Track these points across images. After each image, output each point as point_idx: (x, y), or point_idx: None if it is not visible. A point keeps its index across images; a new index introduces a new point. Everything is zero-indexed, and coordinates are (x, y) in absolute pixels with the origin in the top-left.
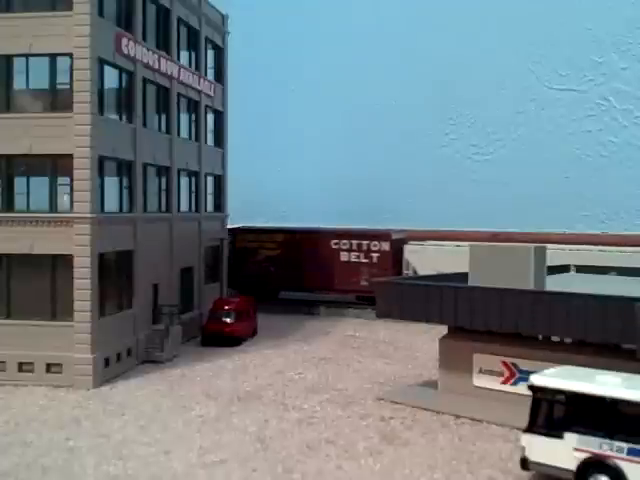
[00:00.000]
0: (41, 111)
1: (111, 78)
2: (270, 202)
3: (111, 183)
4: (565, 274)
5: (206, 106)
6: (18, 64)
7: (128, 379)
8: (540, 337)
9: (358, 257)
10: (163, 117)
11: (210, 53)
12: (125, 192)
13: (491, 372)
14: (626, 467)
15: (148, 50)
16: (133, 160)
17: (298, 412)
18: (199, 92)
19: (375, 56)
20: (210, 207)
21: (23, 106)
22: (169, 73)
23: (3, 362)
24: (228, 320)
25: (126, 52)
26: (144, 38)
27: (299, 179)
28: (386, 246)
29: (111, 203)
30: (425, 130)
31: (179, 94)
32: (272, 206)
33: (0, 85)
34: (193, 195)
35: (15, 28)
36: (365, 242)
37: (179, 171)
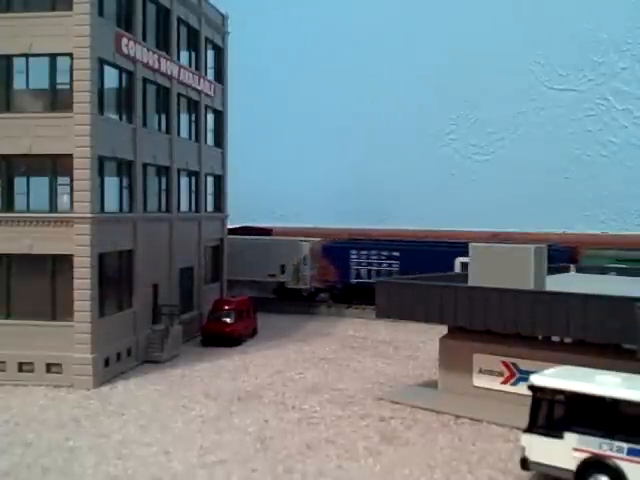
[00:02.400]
0: (41, 111)
1: (111, 78)
2: (270, 202)
3: (111, 183)
4: (565, 274)
5: (206, 106)
6: (18, 64)
7: (128, 379)
8: (540, 337)
9: None
10: (163, 117)
11: (210, 53)
12: (125, 192)
13: (491, 372)
14: (626, 467)
15: (148, 50)
16: (133, 160)
17: (298, 412)
18: (199, 92)
19: (375, 56)
20: (210, 207)
21: (23, 106)
22: (169, 73)
23: (3, 362)
24: (228, 320)
25: (126, 52)
26: (144, 38)
27: (299, 179)
28: None
29: (111, 203)
30: (425, 130)
31: (179, 94)
32: (271, 206)
33: (0, 85)
34: (193, 195)
35: (15, 28)
36: None
37: (179, 171)
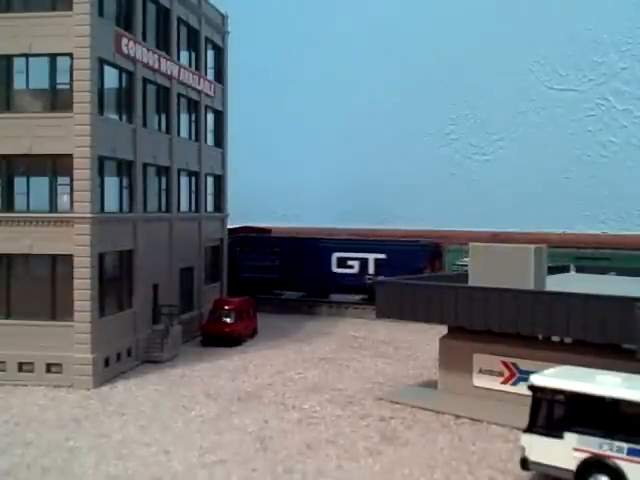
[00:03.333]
0: (41, 111)
1: (111, 78)
2: (270, 202)
3: (111, 183)
4: (565, 274)
5: (206, 106)
6: (18, 64)
7: (128, 379)
8: (540, 337)
9: None
10: (163, 117)
11: (210, 53)
12: (125, 192)
13: (491, 372)
14: (626, 467)
15: (148, 50)
16: (133, 160)
17: (298, 412)
18: (199, 92)
19: (375, 56)
20: (210, 207)
21: (23, 106)
22: (169, 73)
23: (3, 362)
24: (228, 320)
25: (126, 52)
26: (144, 38)
27: (299, 179)
28: None
29: (111, 203)
30: (425, 130)
31: (179, 94)
32: (271, 206)
33: (0, 85)
34: (193, 195)
35: (15, 28)
36: None
37: (179, 171)
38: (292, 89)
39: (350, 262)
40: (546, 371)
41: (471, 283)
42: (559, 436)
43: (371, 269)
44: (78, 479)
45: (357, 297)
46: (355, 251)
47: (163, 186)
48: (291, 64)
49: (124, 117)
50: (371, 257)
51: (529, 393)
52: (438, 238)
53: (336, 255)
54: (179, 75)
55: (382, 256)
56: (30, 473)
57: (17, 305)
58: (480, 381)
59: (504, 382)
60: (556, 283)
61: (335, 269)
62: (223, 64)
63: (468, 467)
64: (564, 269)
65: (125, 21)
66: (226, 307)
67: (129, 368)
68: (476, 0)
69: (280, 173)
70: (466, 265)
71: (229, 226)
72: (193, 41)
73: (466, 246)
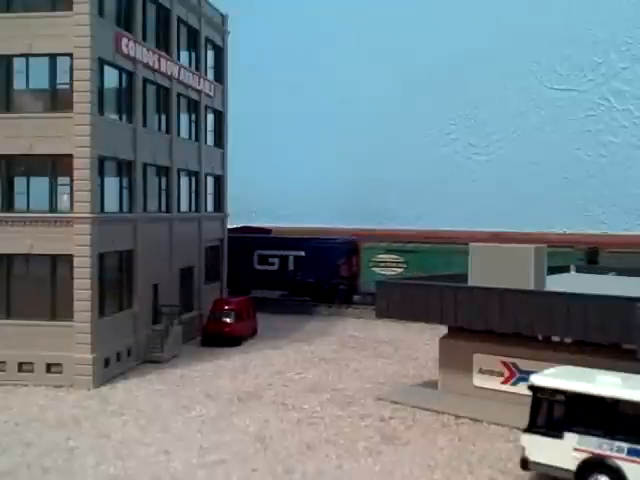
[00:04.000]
0: (41, 111)
1: (111, 78)
2: (270, 202)
3: (111, 183)
4: (565, 274)
5: (206, 106)
6: (18, 64)
7: (128, 379)
8: (540, 337)
9: None
10: (163, 117)
11: (210, 53)
12: (125, 192)
13: (491, 372)
14: (626, 467)
15: (148, 50)
16: (133, 160)
17: (298, 412)
18: (199, 92)
19: (375, 56)
20: (210, 207)
21: (23, 106)
22: (169, 73)
23: (3, 362)
24: (228, 320)
25: (126, 52)
26: (144, 38)
27: (299, 179)
28: None
29: (111, 203)
30: (425, 130)
31: (179, 94)
32: (272, 206)
33: (0, 85)
34: (193, 195)
35: (15, 28)
36: None
37: (179, 171)
38: (292, 89)
39: (271, 259)
40: (546, 371)
41: (471, 283)
42: (559, 436)
43: (291, 266)
44: (78, 479)
45: (277, 293)
46: (276, 248)
47: (163, 186)
48: (291, 64)
49: (124, 117)
50: (291, 254)
51: (529, 393)
52: (438, 238)
53: (258, 252)
54: (179, 75)
55: (301, 253)
56: (30, 473)
57: (17, 305)
58: (480, 381)
59: (504, 382)
60: (556, 283)
61: (257, 266)
62: (223, 64)
63: (468, 467)
64: (564, 269)
65: (125, 21)
66: (226, 307)
67: (129, 368)
68: (476, 0)
69: (280, 173)
70: (383, 262)
71: (229, 226)
72: (193, 41)
73: (383, 243)
